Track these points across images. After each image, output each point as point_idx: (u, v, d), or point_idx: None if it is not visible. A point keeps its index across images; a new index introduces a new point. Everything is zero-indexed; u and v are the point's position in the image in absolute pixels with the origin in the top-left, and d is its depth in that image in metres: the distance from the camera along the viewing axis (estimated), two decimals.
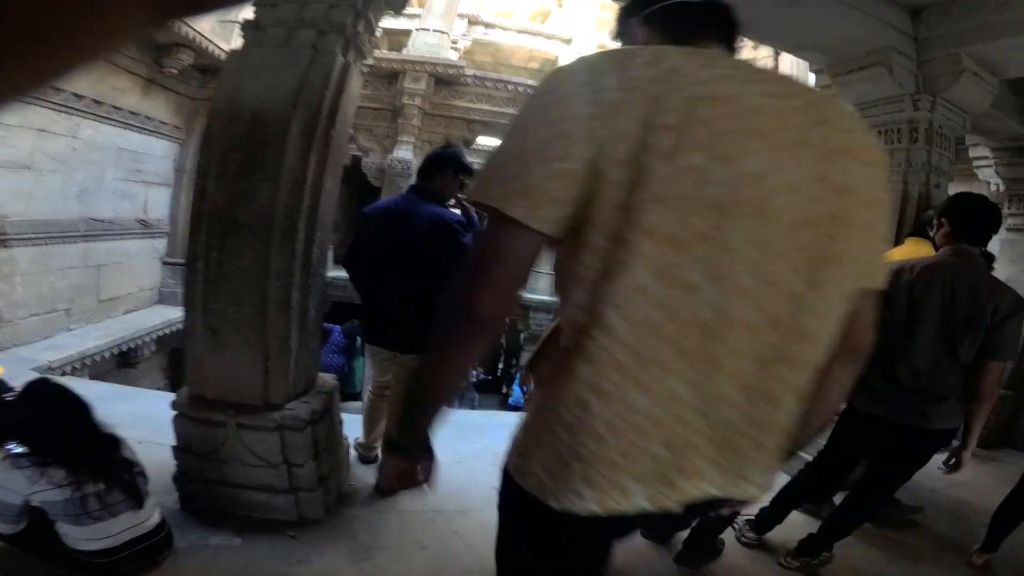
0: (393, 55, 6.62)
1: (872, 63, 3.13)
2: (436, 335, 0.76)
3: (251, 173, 1.91)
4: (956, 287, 1.88)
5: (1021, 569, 2.44)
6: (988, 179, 4.61)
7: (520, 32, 11.25)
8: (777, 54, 8.23)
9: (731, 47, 0.86)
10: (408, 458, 0.89)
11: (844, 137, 0.74)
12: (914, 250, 2.62)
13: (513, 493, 0.80)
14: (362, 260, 2.46)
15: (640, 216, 0.66)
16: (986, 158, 4.44)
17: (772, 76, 0.77)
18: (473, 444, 3.15)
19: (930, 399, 1.91)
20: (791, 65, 4.99)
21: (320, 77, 1.97)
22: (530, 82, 6.85)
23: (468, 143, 7.07)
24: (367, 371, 3.86)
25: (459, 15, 10.60)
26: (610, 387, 0.70)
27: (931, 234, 2.28)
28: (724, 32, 0.85)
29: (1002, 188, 4.54)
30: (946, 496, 3.13)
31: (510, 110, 6.72)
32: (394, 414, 2.03)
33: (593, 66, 0.71)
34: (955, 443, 2.02)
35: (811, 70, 3.89)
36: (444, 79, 6.51)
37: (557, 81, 0.72)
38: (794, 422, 0.80)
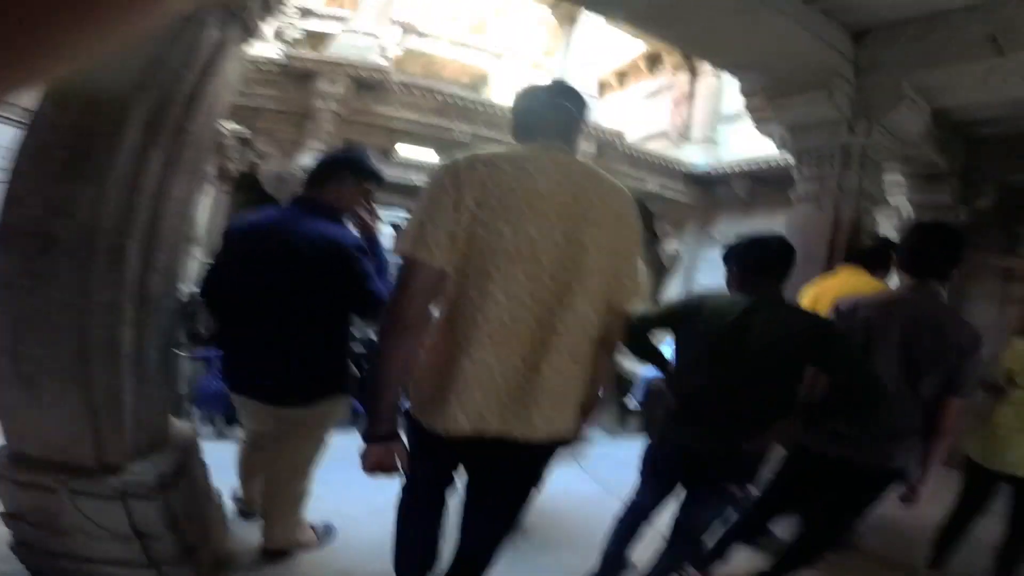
0: (310, 55, 6.07)
1: (812, 86, 3.07)
2: (380, 339, 1.21)
3: (75, 175, 1.42)
4: (919, 324, 1.82)
5: None
6: (898, 205, 4.79)
7: (455, 44, 11.01)
8: (694, 76, 8.58)
9: (569, 141, 1.33)
10: (386, 443, 1.21)
11: (595, 212, 1.22)
12: (850, 280, 2.53)
13: (407, 418, 1.32)
14: (218, 289, 1.91)
15: (473, 259, 1.17)
16: (899, 184, 4.59)
17: (556, 169, 1.21)
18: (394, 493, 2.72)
19: (893, 437, 1.85)
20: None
21: (182, 53, 1.52)
22: (461, 94, 6.51)
23: (387, 153, 6.61)
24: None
25: (392, 21, 10.17)
26: (455, 356, 1.20)
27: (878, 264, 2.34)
28: (556, 133, 1.31)
29: (912, 215, 4.72)
30: (876, 515, 3.09)
31: (438, 121, 6.37)
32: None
33: (457, 164, 1.18)
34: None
35: (742, 92, 3.84)
36: (367, 84, 6.02)
37: (440, 173, 1.18)
38: (565, 388, 1.27)
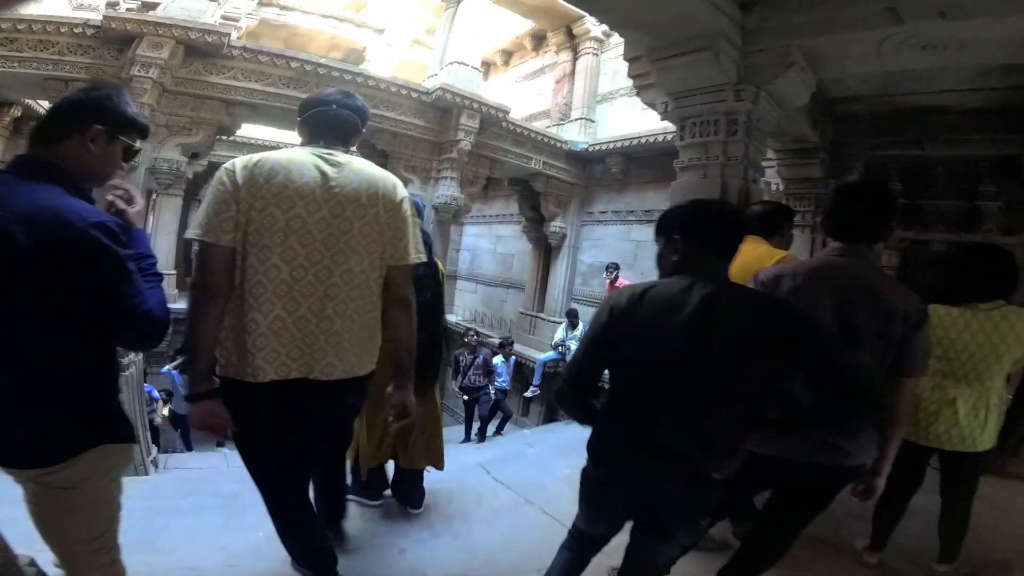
0: (129, 14, 4.93)
1: (698, 48, 2.93)
2: (190, 309, 1.45)
3: None
4: (852, 293, 1.57)
5: (912, 557, 2.42)
6: (769, 179, 5.00)
7: (325, 17, 9.94)
8: (575, 56, 8.53)
9: (345, 141, 1.67)
10: (207, 401, 1.47)
11: (359, 194, 1.54)
12: (750, 251, 2.39)
13: (222, 381, 1.51)
14: None
15: (252, 236, 1.45)
16: (769, 159, 4.77)
17: (324, 165, 1.54)
18: (254, 532, 2.19)
19: (843, 431, 1.59)
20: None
21: None
22: (323, 60, 5.73)
23: (226, 130, 5.66)
24: None
25: None
26: (251, 314, 1.45)
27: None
28: (334, 135, 1.65)
29: (781, 188, 4.94)
30: None
31: (291, 92, 5.52)
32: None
33: (235, 165, 1.47)
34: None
35: (626, 58, 3.67)
36: (198, 48, 5.02)
37: (221, 174, 1.47)
38: (353, 329, 1.56)
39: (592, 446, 1.48)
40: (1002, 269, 2.06)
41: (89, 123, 1.24)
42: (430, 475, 3.56)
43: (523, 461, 3.79)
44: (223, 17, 5.55)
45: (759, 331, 1.27)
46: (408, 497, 2.72)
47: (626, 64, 7.79)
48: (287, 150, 1.57)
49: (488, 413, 7.04)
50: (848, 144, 4.79)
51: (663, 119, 3.54)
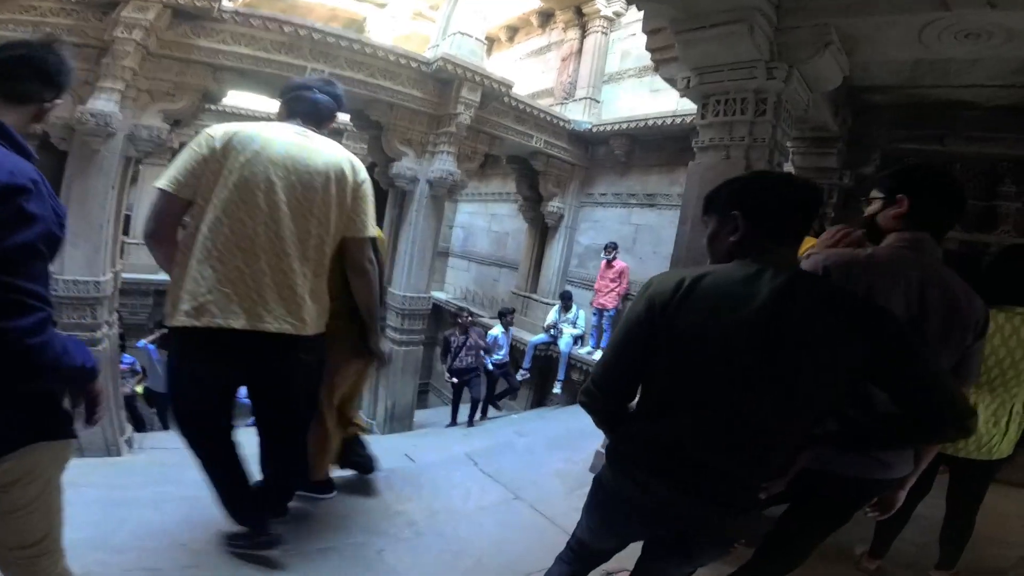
0: None
1: (730, 20, 2.68)
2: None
3: None
4: (926, 291, 1.35)
5: (910, 563, 2.35)
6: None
7: None
8: (584, 34, 8.17)
9: (318, 124, 1.88)
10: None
11: (319, 167, 1.71)
12: None
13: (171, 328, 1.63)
14: None
15: (215, 191, 1.59)
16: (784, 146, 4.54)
17: (292, 139, 1.72)
18: (218, 528, 1.97)
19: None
20: None
21: None
22: (317, 26, 5.34)
23: (211, 97, 5.32)
24: None
25: None
26: (211, 262, 1.57)
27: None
28: (310, 118, 1.85)
29: None
30: None
31: (286, 58, 5.16)
32: None
33: (216, 131, 1.65)
34: None
35: (645, 30, 3.39)
36: (187, 12, 4.66)
37: (200, 137, 1.65)
38: (293, 287, 1.66)
39: (616, 453, 1.25)
40: None
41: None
42: (415, 466, 3.38)
43: (513, 453, 3.62)
44: None
45: (843, 331, 1.04)
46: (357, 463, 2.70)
47: (636, 45, 7.69)
48: (266, 123, 1.74)
49: (488, 392, 6.87)
50: (867, 135, 4.58)
51: (682, 96, 3.30)
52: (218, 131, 1.65)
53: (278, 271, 1.64)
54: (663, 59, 3.33)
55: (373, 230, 1.84)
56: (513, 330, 8.03)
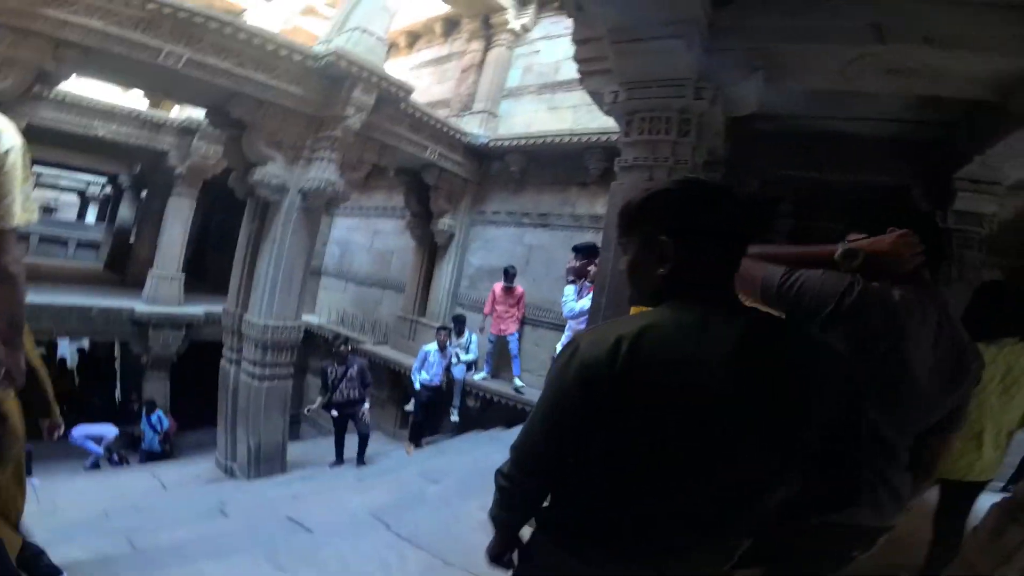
0: None
1: (670, 34, 2.60)
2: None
3: None
4: (941, 335, 1.25)
5: None
6: None
7: None
8: (487, 46, 7.97)
9: None
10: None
11: None
12: None
13: None
14: None
15: None
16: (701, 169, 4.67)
17: None
18: None
19: (891, 486, 1.29)
20: None
21: None
22: (183, 4, 4.45)
23: (47, 77, 4.31)
24: None
25: None
26: None
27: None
28: None
29: None
30: None
31: (138, 35, 4.27)
32: None
33: None
34: None
35: (575, 39, 3.23)
36: None
37: None
38: None
39: (563, 529, 1.01)
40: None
41: None
42: (309, 536, 2.76)
43: (425, 505, 3.12)
44: None
45: (825, 385, 0.90)
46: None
47: (539, 61, 7.64)
48: None
49: (417, 414, 6.18)
50: (748, 161, 4.86)
51: (606, 111, 3.17)
52: None
53: None
54: (590, 71, 3.19)
55: (26, 216, 1.41)
56: (400, 356, 7.44)
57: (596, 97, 3.28)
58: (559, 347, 4.66)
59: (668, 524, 0.92)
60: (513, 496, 1.05)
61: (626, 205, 1.01)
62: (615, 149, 5.91)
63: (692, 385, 0.86)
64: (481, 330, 6.76)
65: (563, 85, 7.29)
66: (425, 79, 9.03)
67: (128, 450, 7.50)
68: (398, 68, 9.47)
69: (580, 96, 6.99)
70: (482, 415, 6.60)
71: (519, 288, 6.53)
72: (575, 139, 6.37)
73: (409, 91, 6.08)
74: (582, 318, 4.28)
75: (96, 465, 7.20)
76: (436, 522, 2.83)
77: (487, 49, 8.01)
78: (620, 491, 0.93)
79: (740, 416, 0.86)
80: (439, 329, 6.52)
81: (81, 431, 7.16)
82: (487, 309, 6.57)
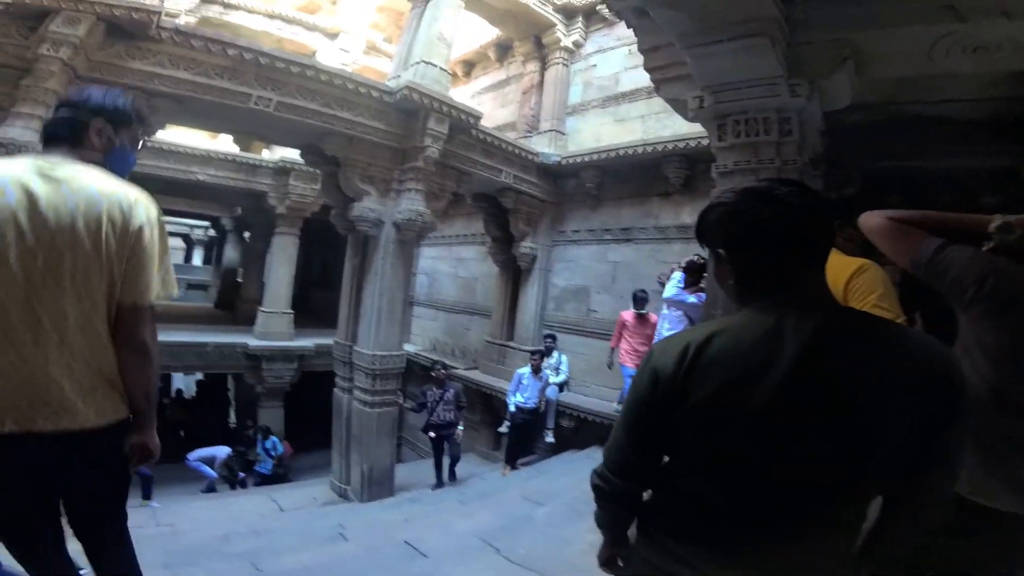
0: None
1: (750, 33, 2.50)
2: None
3: None
4: None
5: None
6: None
7: (272, 17, 9.09)
8: (544, 66, 8.09)
9: (74, 145, 1.37)
10: None
11: (63, 219, 1.24)
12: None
13: None
14: None
15: None
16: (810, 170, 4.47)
17: (29, 184, 1.24)
18: None
19: None
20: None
21: None
22: (265, 49, 4.89)
23: (146, 128, 4.67)
24: None
25: None
26: None
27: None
28: (58, 138, 1.38)
29: None
30: None
31: (225, 83, 4.68)
32: None
33: None
34: None
35: (642, 48, 3.20)
36: (123, 28, 4.15)
37: None
38: (72, 377, 1.29)
39: (653, 526, 1.06)
40: None
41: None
42: (427, 561, 2.84)
43: (533, 529, 3.12)
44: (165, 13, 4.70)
45: (912, 383, 0.86)
46: None
47: (597, 76, 7.64)
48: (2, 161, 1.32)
49: (512, 439, 6.29)
50: (844, 156, 4.57)
51: (691, 118, 3.08)
52: None
53: (35, 366, 1.25)
54: (665, 78, 3.14)
55: (165, 291, 1.43)
56: (490, 379, 7.54)
57: (676, 104, 3.21)
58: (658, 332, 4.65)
59: (751, 525, 0.92)
60: (607, 495, 1.09)
61: (697, 221, 1.06)
62: (695, 155, 5.91)
63: (754, 387, 0.87)
64: (609, 366, 6.01)
65: (626, 96, 7.22)
66: (487, 105, 9.21)
67: (244, 474, 8.12)
68: (460, 96, 9.82)
69: (646, 106, 6.95)
70: (576, 434, 6.53)
71: (652, 316, 5.59)
72: (649, 149, 6.24)
73: (478, 117, 6.25)
74: (681, 311, 4.09)
75: (212, 488, 7.78)
76: (546, 546, 2.83)
77: (544, 69, 8.08)
78: (701, 490, 0.96)
79: (804, 418, 0.86)
80: (532, 353, 6.55)
81: (195, 455, 7.79)
82: (614, 342, 5.85)
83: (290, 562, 3.01)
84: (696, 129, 5.49)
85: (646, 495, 1.09)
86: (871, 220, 1.35)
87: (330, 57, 8.94)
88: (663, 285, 4.68)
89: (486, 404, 7.70)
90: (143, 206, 1.36)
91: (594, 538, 2.83)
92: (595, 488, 1.09)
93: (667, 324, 4.56)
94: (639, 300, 5.72)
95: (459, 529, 3.20)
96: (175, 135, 9.52)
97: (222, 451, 7.98)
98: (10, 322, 1.22)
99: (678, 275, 4.01)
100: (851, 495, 0.91)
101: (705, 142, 5.51)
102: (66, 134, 1.38)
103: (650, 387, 0.96)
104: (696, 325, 1.05)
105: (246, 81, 4.72)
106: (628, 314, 5.82)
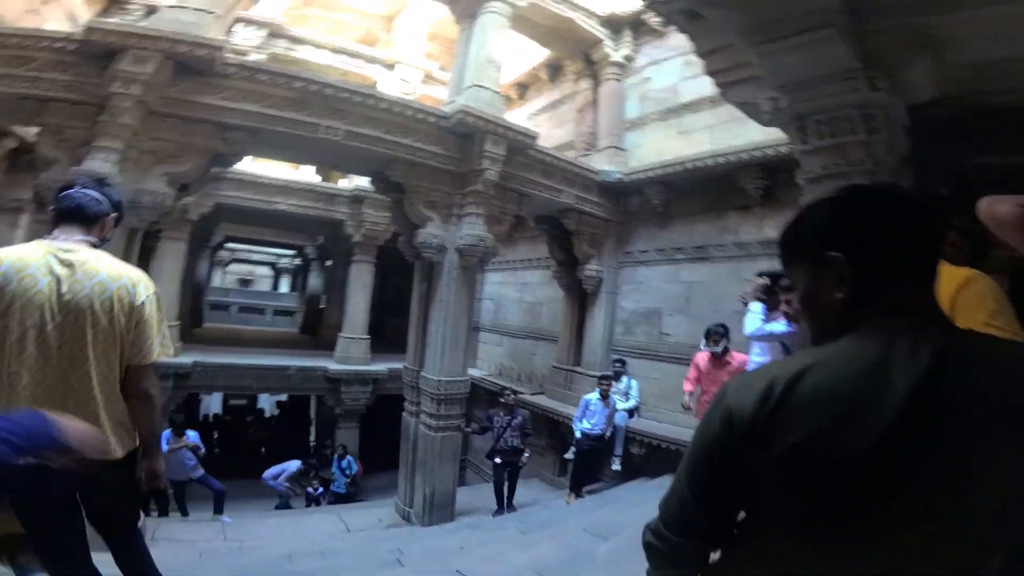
0: (113, 25, 4.43)
1: (814, 25, 2.28)
2: None
3: None
4: None
5: None
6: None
7: (336, 52, 9.75)
8: (597, 83, 8.01)
9: (88, 231, 1.69)
10: None
11: (82, 302, 1.57)
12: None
13: None
14: None
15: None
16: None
17: (54, 270, 1.56)
18: None
19: None
20: None
21: None
22: (327, 80, 5.19)
23: (223, 160, 5.10)
24: None
25: (252, 21, 8.65)
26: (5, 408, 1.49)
27: None
28: (74, 222, 1.68)
29: None
30: None
31: (293, 115, 4.96)
32: None
33: None
34: None
35: (700, 52, 3.02)
36: (189, 65, 4.49)
37: None
38: (92, 420, 1.55)
39: None
40: None
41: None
42: None
43: (594, 566, 2.90)
44: (232, 51, 5.11)
45: None
46: None
47: (653, 89, 7.43)
48: (20, 249, 1.60)
49: (578, 466, 6.11)
50: (931, 154, 4.07)
51: (766, 121, 2.85)
52: None
53: (79, 408, 1.56)
54: (731, 81, 2.94)
55: (163, 350, 1.75)
56: (557, 404, 7.34)
57: (748, 108, 3.00)
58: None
59: None
60: (662, 556, 0.91)
61: (785, 229, 0.91)
62: (774, 164, 5.53)
63: (860, 429, 0.69)
64: (686, 408, 4.59)
65: (688, 107, 6.91)
66: (543, 126, 9.18)
67: (321, 493, 8.35)
68: (515, 119, 9.89)
69: (712, 115, 6.58)
70: (648, 462, 6.17)
71: (736, 356, 4.27)
72: (720, 160, 5.92)
73: (534, 136, 6.23)
74: (767, 343, 3.66)
75: (287, 505, 8.04)
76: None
77: (597, 86, 7.95)
78: (788, 555, 0.78)
79: (922, 466, 0.69)
80: (601, 378, 6.29)
81: (269, 472, 8.11)
82: (689, 385, 4.48)
83: None
84: (773, 136, 5.13)
85: (714, 556, 0.91)
86: (998, 208, 1.08)
87: (390, 87, 9.36)
88: (746, 304, 4.18)
89: (552, 429, 7.50)
90: (143, 285, 1.68)
91: None
92: (647, 547, 0.92)
93: (757, 350, 3.90)
94: (714, 335, 4.35)
95: (515, 561, 3.05)
96: (259, 167, 10.32)
97: (292, 465, 8.26)
98: (48, 383, 1.55)
99: (757, 307, 3.54)
100: (983, 561, 0.72)
101: (784, 149, 5.19)
102: (83, 220, 1.69)
103: (723, 431, 0.80)
104: (782, 359, 0.88)
105: (314, 112, 4.97)
106: (702, 356, 4.45)
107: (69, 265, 1.58)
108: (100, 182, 1.80)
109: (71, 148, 4.18)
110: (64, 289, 1.55)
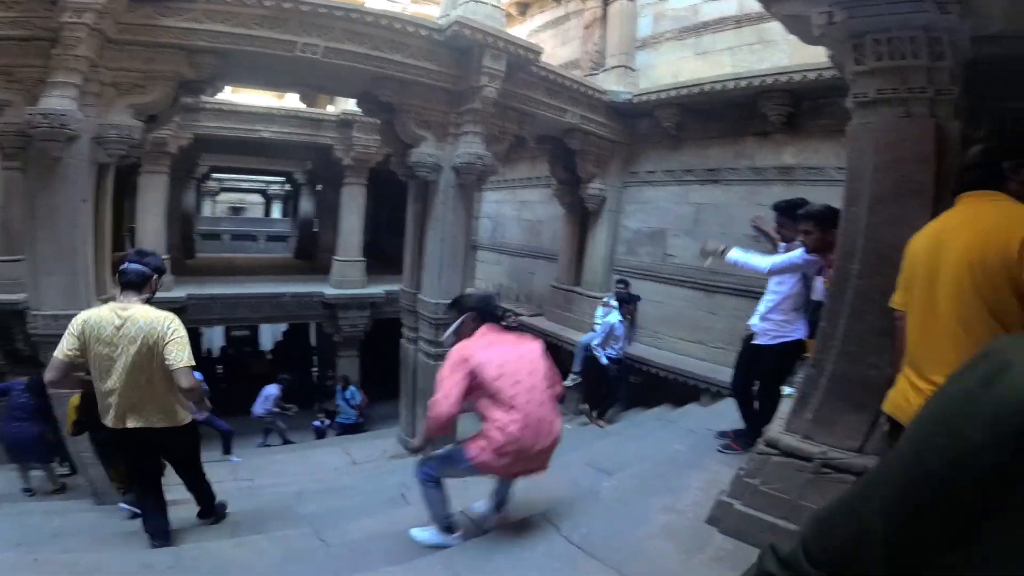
0: None
1: None
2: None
3: None
4: None
5: None
6: None
7: None
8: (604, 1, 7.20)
9: (140, 291, 2.68)
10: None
11: (133, 338, 2.56)
12: (1002, 208, 1.48)
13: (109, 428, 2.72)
14: None
15: (93, 362, 2.60)
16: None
17: (115, 322, 2.55)
18: None
19: None
20: None
21: None
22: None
23: (193, 87, 4.67)
24: None
25: None
26: (107, 399, 2.64)
27: None
28: (128, 290, 2.66)
29: None
30: None
31: (266, 32, 4.45)
32: None
33: (80, 320, 2.60)
34: None
35: None
36: None
37: (72, 325, 2.60)
38: (156, 400, 2.68)
39: None
40: None
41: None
42: (486, 539, 2.73)
43: (599, 505, 2.92)
44: None
45: None
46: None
47: (670, 7, 6.73)
48: (100, 309, 2.63)
49: (608, 391, 6.11)
50: (975, 95, 3.69)
51: (816, 37, 2.48)
52: (79, 320, 2.57)
53: (145, 401, 2.65)
54: None
55: (189, 361, 2.58)
56: (557, 327, 7.31)
57: (795, 23, 2.62)
58: (751, 321, 3.58)
59: None
60: None
61: None
62: (800, 91, 5.12)
63: None
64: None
65: (709, 27, 6.33)
66: (546, 43, 8.36)
67: (329, 425, 8.51)
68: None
69: (736, 36, 6.08)
70: (648, 393, 6.24)
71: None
72: (743, 84, 5.45)
73: (538, 52, 5.72)
74: (784, 277, 3.40)
75: (280, 435, 8.22)
76: (611, 526, 2.63)
77: (607, 2, 7.23)
78: None
79: None
80: (625, 299, 6.18)
81: (258, 406, 8.19)
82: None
83: (352, 531, 3.04)
84: (801, 60, 4.91)
85: None
86: None
87: (377, 3, 8.52)
88: (757, 229, 3.99)
89: (552, 355, 7.52)
90: (171, 322, 2.59)
91: (666, 519, 2.60)
92: None
93: (776, 280, 3.50)
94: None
95: (518, 500, 3.05)
96: (240, 98, 9.66)
97: (270, 390, 8.27)
98: (129, 383, 2.57)
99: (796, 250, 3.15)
100: None
101: (812, 75, 4.83)
102: (134, 287, 2.63)
103: (1004, 434, 0.47)
104: None
105: (290, 29, 4.51)
106: None
107: (123, 316, 2.54)
108: (141, 254, 2.72)
109: (26, 88, 3.83)
110: (121, 332, 2.52)
